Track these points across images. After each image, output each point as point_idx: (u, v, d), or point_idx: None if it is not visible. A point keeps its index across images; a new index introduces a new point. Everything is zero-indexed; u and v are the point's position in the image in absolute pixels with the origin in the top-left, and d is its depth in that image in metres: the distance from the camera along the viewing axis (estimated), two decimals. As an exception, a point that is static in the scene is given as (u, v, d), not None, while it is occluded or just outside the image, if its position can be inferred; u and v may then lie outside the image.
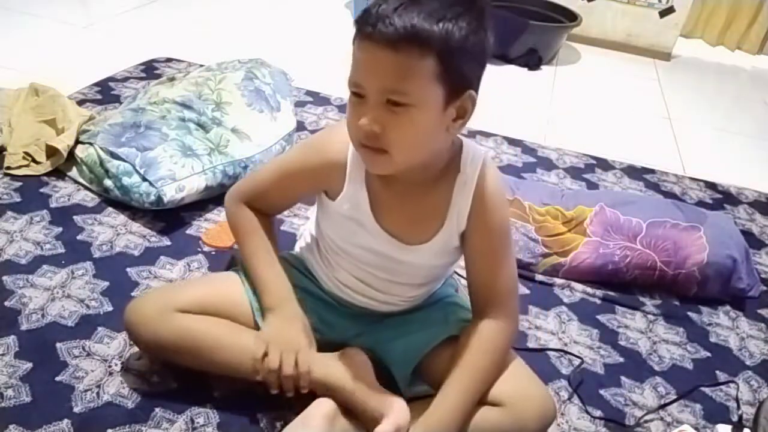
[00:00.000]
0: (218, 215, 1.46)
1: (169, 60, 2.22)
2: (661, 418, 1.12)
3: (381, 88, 0.76)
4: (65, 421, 0.94)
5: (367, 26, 0.75)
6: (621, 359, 1.23)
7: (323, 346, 1.00)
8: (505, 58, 2.71)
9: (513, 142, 2.03)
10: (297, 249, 1.13)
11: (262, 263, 1.00)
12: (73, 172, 1.49)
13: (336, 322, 1.06)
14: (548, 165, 1.93)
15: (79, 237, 1.32)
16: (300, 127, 1.86)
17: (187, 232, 1.39)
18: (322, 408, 0.93)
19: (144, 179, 1.36)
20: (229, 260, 1.28)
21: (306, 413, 0.93)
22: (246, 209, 1.03)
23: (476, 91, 0.82)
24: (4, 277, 1.19)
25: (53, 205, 1.40)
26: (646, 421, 1.10)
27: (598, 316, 1.34)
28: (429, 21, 0.73)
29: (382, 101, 0.77)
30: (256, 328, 0.99)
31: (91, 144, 1.45)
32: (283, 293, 0.99)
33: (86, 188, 1.47)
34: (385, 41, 0.73)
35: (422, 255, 0.95)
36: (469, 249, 0.96)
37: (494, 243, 0.94)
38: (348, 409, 0.94)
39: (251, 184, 1.05)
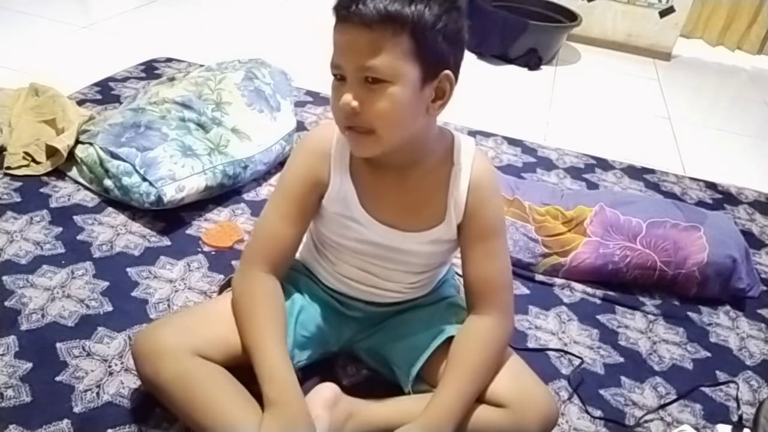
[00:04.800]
0: (218, 215, 1.46)
1: (169, 60, 2.22)
2: (661, 418, 1.12)
3: (358, 66, 0.79)
4: (65, 421, 0.94)
5: (342, 9, 0.79)
6: (621, 359, 1.23)
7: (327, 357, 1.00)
8: (505, 58, 2.71)
9: (513, 142, 2.03)
10: (297, 252, 1.13)
11: (270, 346, 0.89)
12: (73, 172, 1.49)
13: (341, 326, 1.06)
14: (548, 165, 1.93)
15: (79, 237, 1.32)
16: (300, 127, 1.86)
17: (187, 232, 1.39)
18: (322, 394, 0.93)
19: (144, 179, 1.36)
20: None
21: (306, 401, 0.92)
22: (265, 277, 0.95)
23: (455, 74, 0.84)
24: (4, 277, 1.19)
25: (53, 205, 1.40)
26: (646, 421, 1.10)
27: (598, 316, 1.34)
28: (401, 2, 0.77)
29: (360, 80, 0.80)
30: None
31: (91, 144, 1.45)
32: (289, 385, 0.88)
33: (86, 188, 1.47)
34: (360, 21, 0.77)
35: (420, 242, 0.96)
36: (464, 240, 0.96)
37: (488, 234, 0.95)
38: (349, 395, 0.95)
39: (262, 237, 0.98)
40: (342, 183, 0.94)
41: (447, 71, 0.83)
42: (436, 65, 0.82)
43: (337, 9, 0.80)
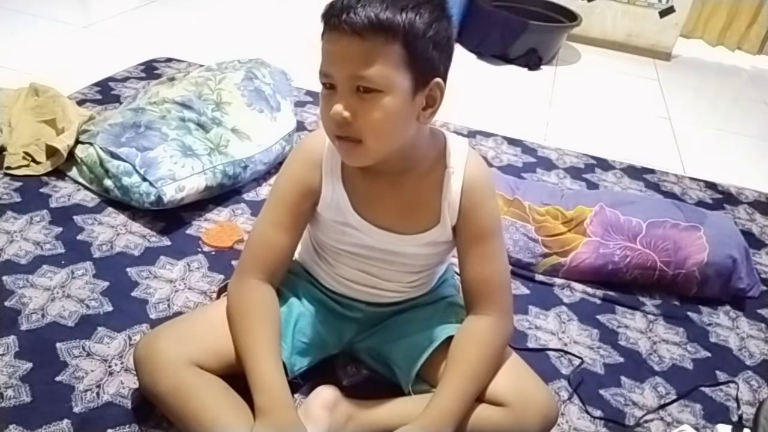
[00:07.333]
0: (218, 215, 1.46)
1: (169, 60, 2.22)
2: (661, 418, 1.12)
3: (349, 75, 0.78)
4: (65, 421, 0.94)
5: (332, 17, 0.78)
6: (621, 359, 1.23)
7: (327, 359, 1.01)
8: (505, 58, 2.71)
9: (513, 142, 2.03)
10: (296, 254, 1.13)
11: (262, 355, 0.90)
12: (73, 172, 1.49)
13: (341, 328, 1.06)
14: (548, 165, 1.93)
15: (79, 237, 1.32)
16: (300, 127, 1.86)
17: (187, 232, 1.39)
18: (322, 396, 0.93)
19: (144, 179, 1.36)
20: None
21: (306, 402, 0.94)
22: (259, 286, 0.96)
23: (444, 81, 0.84)
24: (4, 277, 1.19)
25: (53, 205, 1.40)
26: (646, 421, 1.10)
27: (598, 316, 1.34)
28: (392, 11, 0.76)
29: (351, 89, 0.79)
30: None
31: (91, 144, 1.45)
32: (279, 393, 0.88)
33: (86, 188, 1.47)
34: (352, 30, 0.76)
35: (416, 245, 0.97)
36: (461, 242, 0.97)
37: (484, 235, 0.95)
38: (349, 395, 0.96)
39: (256, 245, 0.98)
40: (335, 190, 0.94)
41: (437, 79, 0.82)
42: (427, 73, 0.81)
43: (327, 17, 0.79)
